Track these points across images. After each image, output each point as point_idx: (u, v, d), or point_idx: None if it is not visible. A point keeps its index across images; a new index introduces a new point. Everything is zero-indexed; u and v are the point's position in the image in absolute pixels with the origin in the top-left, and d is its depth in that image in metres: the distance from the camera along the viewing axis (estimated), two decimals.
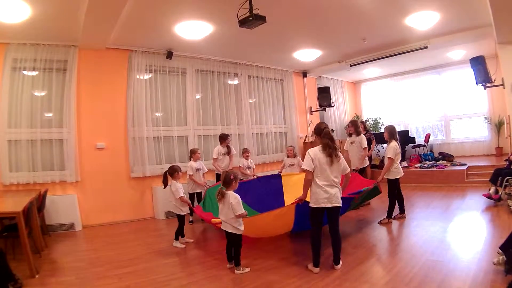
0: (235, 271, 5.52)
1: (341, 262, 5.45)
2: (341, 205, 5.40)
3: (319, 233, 5.39)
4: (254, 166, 10.51)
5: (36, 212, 6.53)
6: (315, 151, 5.36)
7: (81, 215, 8.93)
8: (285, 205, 7.99)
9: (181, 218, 7.15)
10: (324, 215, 5.38)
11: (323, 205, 5.25)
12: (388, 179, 7.96)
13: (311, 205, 5.36)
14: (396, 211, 8.18)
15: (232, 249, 5.65)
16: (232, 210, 5.47)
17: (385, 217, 8.05)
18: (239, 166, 10.19)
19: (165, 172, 7.11)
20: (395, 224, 7.88)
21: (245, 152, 10.36)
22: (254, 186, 8.97)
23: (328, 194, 5.23)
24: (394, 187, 8.00)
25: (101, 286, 5.21)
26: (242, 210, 5.50)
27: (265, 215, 6.24)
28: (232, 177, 5.66)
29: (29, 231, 5.87)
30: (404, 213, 8.29)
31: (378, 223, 7.98)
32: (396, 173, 7.89)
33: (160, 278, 5.42)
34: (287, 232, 7.12)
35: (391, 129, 8.12)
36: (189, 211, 7.36)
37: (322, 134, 5.47)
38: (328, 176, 5.29)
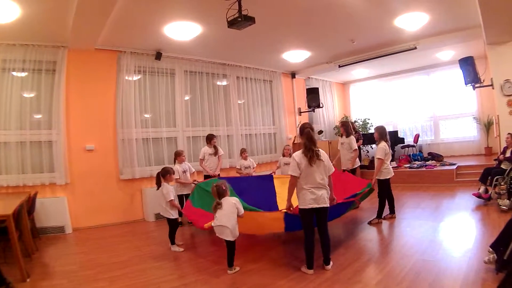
0: (228, 271, 5.53)
1: (331, 262, 5.47)
2: (328, 206, 5.41)
3: (312, 235, 5.39)
4: (255, 165, 10.45)
5: (26, 215, 6.49)
6: (299, 155, 5.37)
7: (71, 218, 8.87)
8: (279, 208, 8.03)
9: (171, 222, 7.03)
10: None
11: (310, 206, 5.26)
12: (378, 180, 8.01)
13: (299, 206, 5.36)
14: (386, 211, 8.25)
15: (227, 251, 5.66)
16: (235, 213, 5.53)
17: (375, 217, 8.09)
18: (237, 167, 10.17)
19: (158, 173, 7.04)
20: (385, 224, 7.91)
21: (243, 153, 10.28)
22: (246, 183, 8.89)
23: (315, 195, 5.26)
24: (385, 187, 8.05)
25: None
26: (243, 210, 5.62)
27: (258, 214, 6.24)
28: (224, 188, 5.68)
29: (19, 234, 5.82)
30: (394, 213, 8.34)
31: (368, 223, 8.01)
32: (386, 173, 7.96)
33: (151, 280, 5.40)
34: (279, 233, 7.16)
35: (381, 130, 8.21)
36: (178, 215, 7.23)
37: (303, 134, 5.47)
38: (314, 178, 5.30)
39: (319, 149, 5.40)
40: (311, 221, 5.40)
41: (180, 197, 8.62)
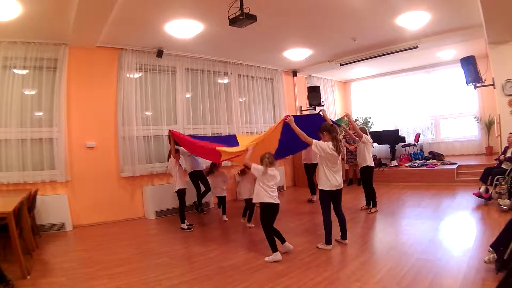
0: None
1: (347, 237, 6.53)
2: (342, 187, 6.41)
3: (330, 215, 6.29)
4: None
5: (27, 212, 6.48)
6: (328, 145, 6.13)
7: (71, 215, 8.86)
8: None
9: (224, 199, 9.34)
10: None
11: (334, 188, 6.24)
12: (364, 167, 8.95)
13: (323, 188, 6.27)
14: (363, 202, 9.30)
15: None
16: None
17: (371, 206, 8.95)
18: None
19: (212, 165, 9.29)
20: (384, 222, 8.00)
21: None
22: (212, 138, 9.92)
23: (336, 180, 6.23)
24: (369, 176, 9.03)
25: (92, 286, 5.18)
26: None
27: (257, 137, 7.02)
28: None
29: (20, 231, 5.82)
30: (371, 204, 9.08)
31: (368, 212, 8.81)
32: (370, 161, 8.91)
33: (151, 278, 5.41)
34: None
35: (363, 129, 9.23)
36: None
37: (331, 129, 6.23)
38: (337, 165, 6.26)
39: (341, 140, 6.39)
40: (330, 201, 6.34)
41: (181, 191, 8.54)
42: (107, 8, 7.14)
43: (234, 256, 6.18)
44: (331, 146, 6.05)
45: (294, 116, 6.55)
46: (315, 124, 6.89)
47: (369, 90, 18.90)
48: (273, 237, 6.02)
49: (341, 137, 9.54)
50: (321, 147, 6.07)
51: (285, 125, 6.57)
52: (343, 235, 6.48)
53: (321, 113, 7.27)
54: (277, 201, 6.08)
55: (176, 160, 8.45)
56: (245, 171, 8.43)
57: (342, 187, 6.38)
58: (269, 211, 6.07)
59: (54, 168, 8.93)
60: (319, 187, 6.34)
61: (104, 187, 9.57)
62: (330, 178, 6.17)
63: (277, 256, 5.85)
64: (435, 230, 7.01)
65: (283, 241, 6.19)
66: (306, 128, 6.48)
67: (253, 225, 8.30)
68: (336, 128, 6.27)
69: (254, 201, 6.36)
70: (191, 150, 9.03)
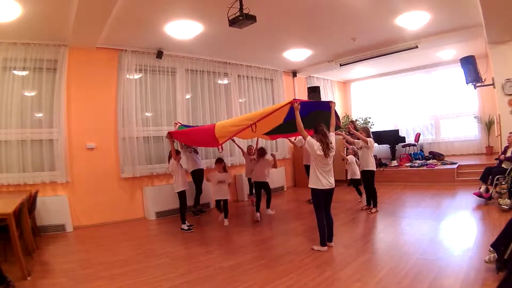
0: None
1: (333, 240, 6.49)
2: (334, 187, 6.41)
3: (323, 216, 6.32)
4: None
5: (27, 213, 6.48)
6: (317, 144, 6.21)
7: (72, 216, 8.85)
8: None
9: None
10: None
11: (324, 187, 6.23)
12: (365, 171, 8.98)
13: (313, 186, 6.30)
14: (363, 202, 9.41)
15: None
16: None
17: (372, 206, 8.94)
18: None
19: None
20: (385, 222, 7.99)
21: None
22: None
23: (327, 180, 6.26)
24: (371, 179, 8.95)
25: (93, 287, 5.18)
26: None
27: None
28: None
29: (20, 232, 5.83)
30: (371, 205, 9.05)
31: (368, 212, 8.81)
32: (372, 165, 8.86)
33: (151, 278, 5.40)
34: (277, 232, 7.25)
35: (367, 130, 9.18)
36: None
37: (318, 131, 6.25)
38: (327, 166, 6.29)
39: (331, 142, 6.32)
40: (323, 201, 6.33)
41: (182, 192, 8.54)
42: (107, 9, 7.14)
43: (234, 256, 6.18)
44: (319, 146, 6.13)
45: (302, 103, 6.57)
46: (320, 109, 7.23)
47: (369, 90, 18.91)
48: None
49: (340, 137, 9.59)
50: (310, 144, 6.21)
51: (291, 110, 6.49)
52: (329, 237, 6.42)
53: (330, 104, 7.21)
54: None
55: (177, 162, 8.45)
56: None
57: (334, 187, 6.38)
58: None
59: (54, 169, 8.92)
60: (310, 185, 6.38)
61: (104, 188, 9.56)
62: (320, 177, 6.21)
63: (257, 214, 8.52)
64: (436, 230, 7.02)
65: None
66: (310, 110, 6.83)
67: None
68: (325, 132, 6.22)
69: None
70: (191, 142, 9.25)
